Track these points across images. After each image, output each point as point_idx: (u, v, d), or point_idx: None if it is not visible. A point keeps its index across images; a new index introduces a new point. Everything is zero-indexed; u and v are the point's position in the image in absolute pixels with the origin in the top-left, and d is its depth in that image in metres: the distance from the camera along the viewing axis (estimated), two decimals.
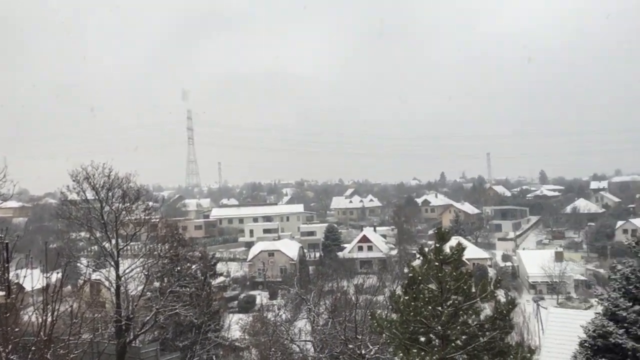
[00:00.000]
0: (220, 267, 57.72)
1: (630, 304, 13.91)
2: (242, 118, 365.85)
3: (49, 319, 13.48)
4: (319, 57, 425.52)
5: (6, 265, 12.80)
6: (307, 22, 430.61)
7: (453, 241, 17.36)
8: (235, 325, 37.48)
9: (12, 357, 10.53)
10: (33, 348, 10.68)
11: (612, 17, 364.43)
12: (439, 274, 16.06)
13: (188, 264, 33.84)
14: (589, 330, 14.47)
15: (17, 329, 11.48)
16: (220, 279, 54.57)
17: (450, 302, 15.59)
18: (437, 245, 16.69)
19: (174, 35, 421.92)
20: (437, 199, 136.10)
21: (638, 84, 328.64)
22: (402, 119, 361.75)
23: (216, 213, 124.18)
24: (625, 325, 13.62)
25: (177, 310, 25.97)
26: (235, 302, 61.16)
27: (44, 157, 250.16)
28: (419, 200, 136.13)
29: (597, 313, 15.47)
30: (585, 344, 14.43)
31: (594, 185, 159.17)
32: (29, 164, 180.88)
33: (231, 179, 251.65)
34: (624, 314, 13.74)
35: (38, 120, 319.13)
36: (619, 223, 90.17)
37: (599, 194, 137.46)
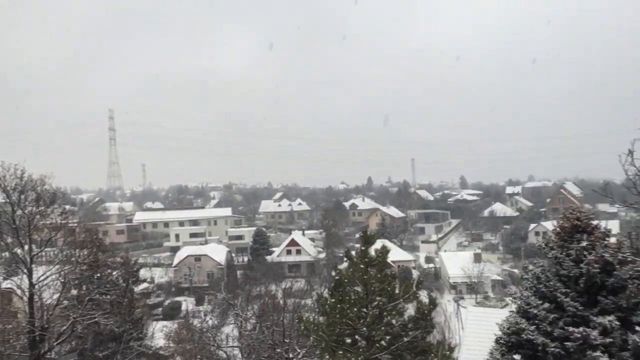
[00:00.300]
0: (143, 273, 55.74)
1: (541, 302, 14.82)
2: (169, 119, 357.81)
3: None
4: (250, 61, 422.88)
5: None
6: (239, 23, 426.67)
7: (378, 244, 17.85)
8: (159, 333, 36.33)
9: None
10: None
11: (530, 29, 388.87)
12: (364, 277, 16.45)
13: (109, 271, 32.42)
14: (504, 327, 15.29)
15: None
16: (144, 285, 52.78)
17: (375, 303, 16.01)
18: (363, 248, 17.09)
19: (97, 30, 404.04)
20: (364, 203, 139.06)
21: (549, 95, 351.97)
22: (331, 124, 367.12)
23: (140, 217, 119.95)
24: (536, 322, 14.51)
25: (97, 319, 24.78)
26: (160, 309, 59.32)
27: None
28: (347, 204, 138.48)
29: (511, 311, 16.40)
30: (501, 341, 15.24)
31: (509, 190, 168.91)
32: None
33: (156, 182, 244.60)
34: (535, 312, 14.63)
35: None
36: (532, 226, 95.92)
37: (514, 199, 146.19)
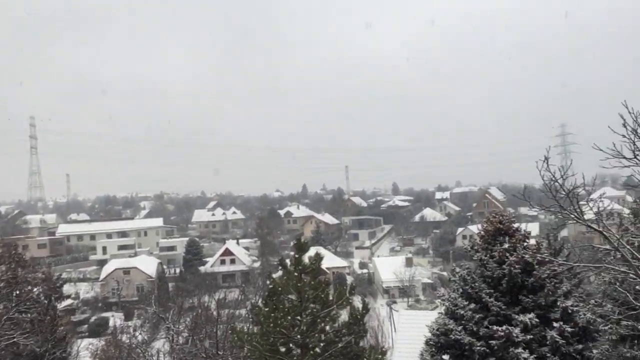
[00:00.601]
0: (67, 288, 53.28)
1: (467, 302, 15.43)
2: (95, 127, 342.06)
3: None
4: (180, 65, 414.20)
5: None
6: (169, 29, 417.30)
7: (312, 251, 17.96)
8: (85, 351, 34.66)
9: None
10: None
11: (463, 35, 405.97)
12: (299, 284, 16.49)
13: (29, 287, 30.72)
14: (433, 329, 15.78)
15: None
16: (68, 301, 50.38)
17: (309, 310, 16.07)
18: (297, 256, 17.14)
19: (18, 31, 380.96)
20: (299, 210, 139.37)
21: (474, 103, 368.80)
22: (265, 132, 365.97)
23: (63, 229, 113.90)
24: (463, 322, 15.09)
25: (16, 339, 23.31)
26: (86, 325, 56.75)
27: None
28: (282, 212, 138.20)
29: (440, 313, 16.96)
30: (430, 342, 15.72)
31: (438, 195, 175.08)
32: None
33: (82, 193, 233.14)
34: (462, 312, 15.21)
35: None
36: (459, 229, 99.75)
37: (443, 204, 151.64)
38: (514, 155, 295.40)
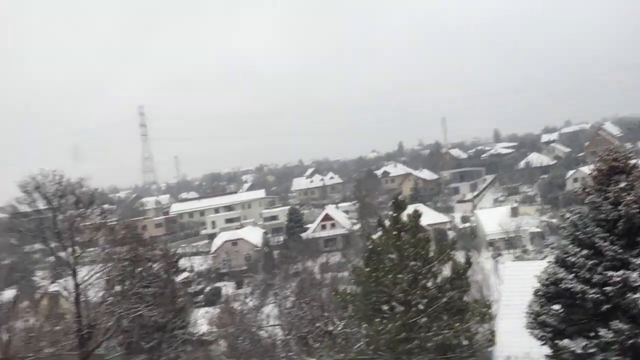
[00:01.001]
0: (183, 262, 56.90)
1: (579, 249, 14.36)
2: (198, 109, 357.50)
3: (5, 337, 12.97)
4: (271, 39, 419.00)
5: None
6: (258, 5, 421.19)
7: (411, 209, 17.60)
8: (202, 320, 37.12)
9: None
10: None
11: None
12: (398, 243, 16.30)
13: (149, 264, 33.15)
14: (542, 279, 14.92)
15: None
16: (184, 274, 53.78)
17: (410, 268, 15.85)
18: (395, 214, 16.91)
19: (123, 26, 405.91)
20: (396, 169, 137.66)
21: (575, 34, 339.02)
22: (358, 94, 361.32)
23: (176, 208, 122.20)
24: (575, 270, 14.09)
25: (141, 312, 25.47)
26: (201, 296, 60.50)
27: None
28: (379, 172, 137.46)
29: (549, 262, 15.98)
30: (539, 293, 14.90)
31: (545, 138, 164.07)
32: None
33: (190, 172, 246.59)
34: (573, 260, 14.19)
35: None
36: (570, 173, 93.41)
37: (550, 147, 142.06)
38: (632, 82, 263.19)
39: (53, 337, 23.46)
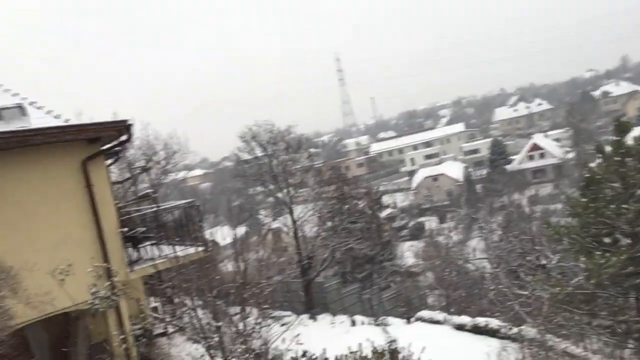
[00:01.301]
0: (386, 199, 58.73)
1: None
2: (386, 48, 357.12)
3: (242, 266, 15.43)
4: None
5: (201, 225, 14.48)
6: None
7: (637, 131, 15.52)
8: (407, 253, 38.22)
9: (217, 301, 12.06)
10: (233, 291, 12.15)
11: None
12: (621, 169, 14.58)
13: (355, 201, 35.03)
14: None
15: (217, 277, 13.13)
16: (388, 210, 55.61)
17: (636, 197, 14.10)
18: (617, 138, 15.05)
19: None
20: (619, 87, 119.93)
21: None
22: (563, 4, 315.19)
23: (375, 148, 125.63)
24: None
25: (351, 245, 27.33)
26: (405, 230, 62.15)
27: (214, 124, 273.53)
28: (597, 93, 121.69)
29: None
30: None
31: None
32: (204, 133, 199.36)
33: (386, 112, 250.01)
34: None
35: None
36: None
37: None
38: None
39: (279, 267, 26.70)
